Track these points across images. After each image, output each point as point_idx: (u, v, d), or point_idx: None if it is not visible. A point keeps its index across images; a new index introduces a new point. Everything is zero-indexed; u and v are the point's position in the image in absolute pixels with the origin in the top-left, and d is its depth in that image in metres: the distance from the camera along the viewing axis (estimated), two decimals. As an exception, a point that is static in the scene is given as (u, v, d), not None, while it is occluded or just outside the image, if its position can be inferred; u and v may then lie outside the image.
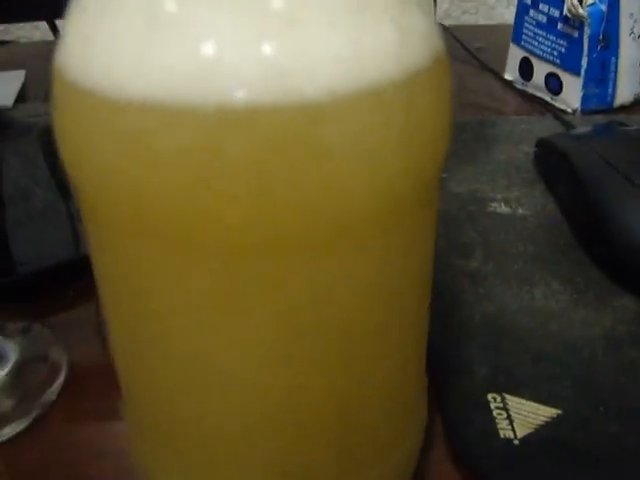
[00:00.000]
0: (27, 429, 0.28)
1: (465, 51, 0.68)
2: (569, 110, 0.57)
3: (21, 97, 0.62)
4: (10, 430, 0.28)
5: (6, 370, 0.30)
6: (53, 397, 0.29)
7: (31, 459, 0.27)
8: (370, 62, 0.14)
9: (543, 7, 0.58)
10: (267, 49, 0.13)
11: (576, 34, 0.55)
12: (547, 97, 0.59)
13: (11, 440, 0.27)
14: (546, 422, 0.26)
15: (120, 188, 0.15)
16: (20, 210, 0.42)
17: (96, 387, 0.30)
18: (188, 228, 0.14)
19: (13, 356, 0.31)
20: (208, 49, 0.13)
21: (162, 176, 0.14)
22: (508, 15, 0.97)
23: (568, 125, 0.52)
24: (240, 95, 0.13)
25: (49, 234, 0.40)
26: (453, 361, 0.29)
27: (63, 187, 0.45)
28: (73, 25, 0.16)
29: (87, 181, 0.16)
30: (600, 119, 0.53)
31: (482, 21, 1.05)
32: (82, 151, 0.16)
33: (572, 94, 0.57)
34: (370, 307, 0.17)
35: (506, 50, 0.64)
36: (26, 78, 0.65)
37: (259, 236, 0.14)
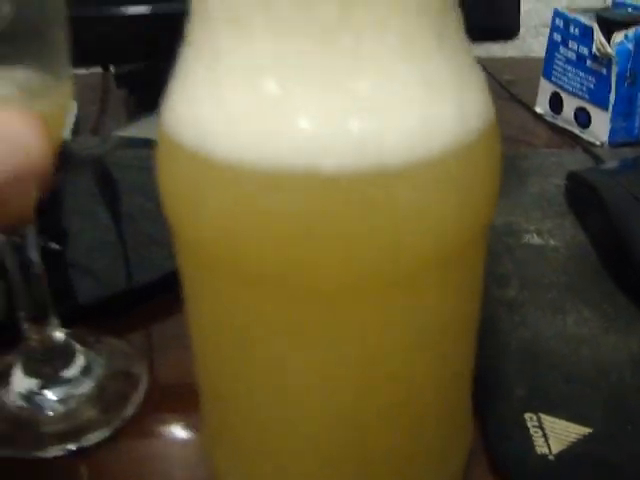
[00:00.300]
0: (108, 439, 0.31)
1: (496, 84, 0.71)
2: (597, 143, 0.60)
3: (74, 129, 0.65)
4: (93, 438, 0.31)
5: (94, 382, 0.33)
6: (133, 410, 0.32)
7: (110, 467, 0.30)
8: (436, 134, 0.17)
9: (572, 45, 0.60)
10: (352, 125, 0.16)
11: (604, 71, 0.58)
12: (576, 130, 0.62)
13: (93, 448, 0.30)
14: (578, 439, 0.29)
15: (222, 240, 0.18)
16: (79, 240, 0.45)
17: (173, 402, 0.32)
18: (283, 275, 0.17)
19: (99, 369, 0.34)
20: (303, 124, 0.16)
21: (260, 230, 0.17)
22: (536, 45, 1.00)
23: (597, 158, 0.55)
24: (329, 162, 0.16)
25: (105, 264, 0.43)
26: (493, 384, 0.32)
27: (118, 218, 0.48)
28: (183, 94, 0.19)
29: (190, 231, 0.19)
30: (627, 152, 0.56)
31: (511, 51, 1.07)
32: (187, 206, 0.19)
33: (600, 128, 0.59)
34: (433, 338, 0.20)
35: (536, 83, 0.67)
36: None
37: (342, 281, 0.17)
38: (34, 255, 0.31)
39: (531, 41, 1.07)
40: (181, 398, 0.32)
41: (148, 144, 0.60)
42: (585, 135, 0.61)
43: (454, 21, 0.18)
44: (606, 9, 0.63)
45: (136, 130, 0.63)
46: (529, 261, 0.42)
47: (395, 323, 0.19)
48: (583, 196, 0.45)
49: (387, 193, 0.16)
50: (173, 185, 0.20)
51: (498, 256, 0.42)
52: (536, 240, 0.44)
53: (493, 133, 0.19)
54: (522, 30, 1.12)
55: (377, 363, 0.19)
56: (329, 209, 0.16)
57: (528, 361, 0.33)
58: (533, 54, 0.94)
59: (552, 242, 0.44)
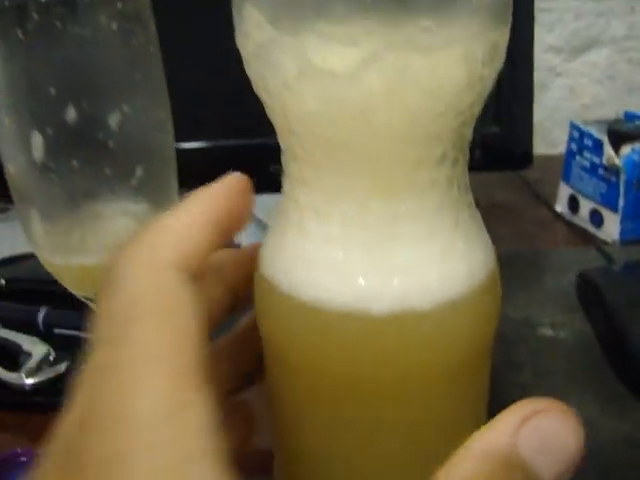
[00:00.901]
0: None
1: (524, 183, 0.79)
2: (609, 241, 0.67)
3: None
4: None
5: None
6: None
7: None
8: (451, 287, 0.25)
9: (586, 154, 0.69)
10: (393, 282, 0.25)
11: (614, 179, 0.66)
12: (591, 229, 0.70)
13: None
14: (573, 504, 0.36)
15: (298, 354, 0.26)
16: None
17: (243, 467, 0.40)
18: (345, 380, 0.26)
19: None
20: (360, 280, 0.25)
21: (332, 353, 0.25)
22: (561, 139, 1.08)
23: (608, 256, 0.62)
24: (377, 307, 0.25)
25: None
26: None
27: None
28: (276, 250, 0.27)
29: (277, 345, 0.28)
30: (636, 249, 0.64)
31: (538, 141, 1.15)
32: (277, 327, 0.27)
33: (612, 227, 0.67)
34: (451, 424, 0.28)
35: (559, 181, 0.75)
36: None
37: (386, 386, 0.25)
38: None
39: (558, 133, 1.15)
40: (250, 464, 0.40)
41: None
42: (599, 233, 0.69)
43: (466, 202, 0.27)
44: (618, 121, 0.71)
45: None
46: (541, 350, 0.49)
47: (425, 412, 0.27)
48: (590, 295, 0.53)
49: (418, 327, 0.25)
50: (265, 312, 0.28)
51: (514, 345, 0.50)
52: (549, 332, 0.51)
53: (494, 278, 0.27)
54: (550, 123, 1.20)
55: (409, 445, 0.27)
56: (377, 339, 0.25)
57: (536, 438, 0.41)
58: (559, 149, 1.02)
59: (562, 334, 0.51)
